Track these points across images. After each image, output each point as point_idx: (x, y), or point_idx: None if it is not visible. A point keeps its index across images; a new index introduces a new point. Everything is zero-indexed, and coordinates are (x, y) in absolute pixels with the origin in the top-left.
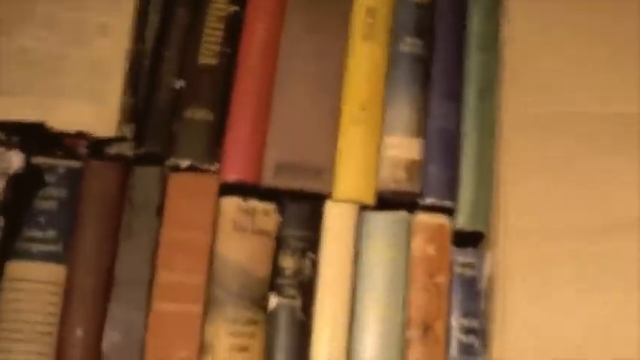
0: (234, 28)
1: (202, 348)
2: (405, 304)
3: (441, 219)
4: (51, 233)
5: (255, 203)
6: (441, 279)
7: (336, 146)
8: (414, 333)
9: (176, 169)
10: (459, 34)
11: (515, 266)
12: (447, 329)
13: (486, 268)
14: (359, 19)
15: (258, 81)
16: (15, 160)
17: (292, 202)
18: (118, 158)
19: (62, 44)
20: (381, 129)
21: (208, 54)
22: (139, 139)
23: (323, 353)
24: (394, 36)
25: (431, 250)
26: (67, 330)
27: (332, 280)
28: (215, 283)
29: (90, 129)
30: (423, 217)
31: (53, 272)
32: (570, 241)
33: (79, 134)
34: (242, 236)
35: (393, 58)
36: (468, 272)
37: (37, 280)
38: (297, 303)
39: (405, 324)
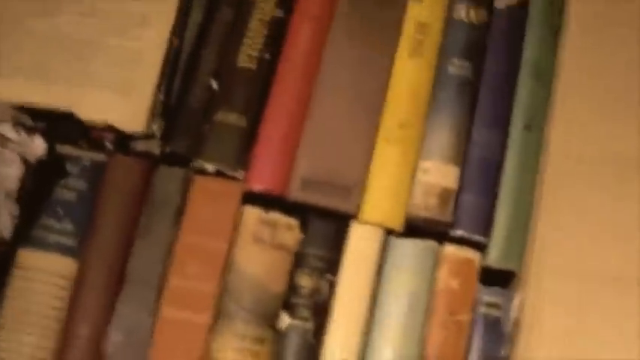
0: (277, 34)
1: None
2: (422, 339)
3: (469, 253)
4: (67, 225)
5: (277, 216)
6: (463, 317)
7: (369, 165)
8: None
9: (201, 172)
10: (511, 60)
11: (544, 310)
12: None
13: (514, 311)
14: (408, 34)
15: (296, 90)
16: (37, 146)
17: (316, 219)
18: (144, 155)
19: (101, 33)
20: (417, 152)
21: (248, 57)
22: (167, 137)
23: None
24: (442, 56)
25: (455, 284)
26: (72, 326)
27: (348, 305)
28: (227, 295)
29: (118, 122)
30: (450, 249)
31: (65, 265)
32: (605, 290)
33: (106, 127)
34: (261, 249)
35: (438, 79)
36: (493, 313)
37: (48, 272)
38: (309, 326)
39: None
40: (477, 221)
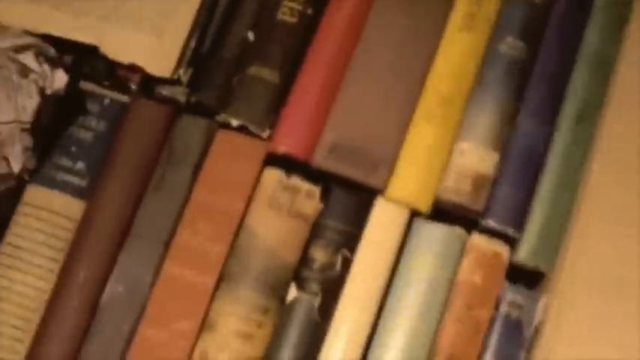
0: None
1: (204, 323)
2: (435, 330)
3: (498, 246)
4: (80, 165)
5: (298, 182)
6: (482, 313)
7: (402, 140)
8: None
9: (225, 126)
10: (569, 45)
11: (568, 318)
12: None
13: (538, 315)
14: (462, 6)
15: (335, 51)
16: (59, 80)
17: (339, 190)
18: (168, 101)
19: None
20: (455, 131)
21: (289, 11)
22: (194, 86)
23: None
24: (495, 33)
25: (478, 278)
26: (70, 270)
27: (361, 285)
28: (235, 258)
29: (145, 64)
30: (477, 240)
31: (72, 206)
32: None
33: (132, 67)
34: (277, 214)
35: (488, 57)
36: (515, 313)
37: (53, 211)
38: (317, 301)
39: (430, 352)
40: (510, 214)
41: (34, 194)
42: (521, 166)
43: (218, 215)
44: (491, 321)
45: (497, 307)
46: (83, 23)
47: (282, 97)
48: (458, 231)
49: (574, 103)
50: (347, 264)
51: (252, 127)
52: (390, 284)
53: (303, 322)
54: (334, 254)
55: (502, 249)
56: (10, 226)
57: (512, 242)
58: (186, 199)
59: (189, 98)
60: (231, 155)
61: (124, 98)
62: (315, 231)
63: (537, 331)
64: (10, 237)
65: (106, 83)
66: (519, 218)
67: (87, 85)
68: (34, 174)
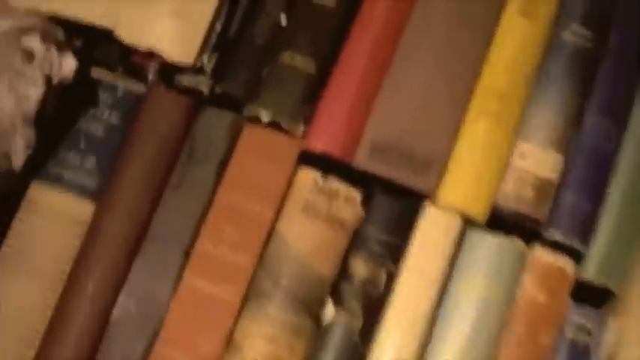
0: None
1: (229, 345)
2: (490, 356)
3: (563, 262)
4: (89, 162)
5: (337, 184)
6: (546, 338)
7: (454, 139)
8: None
9: (254, 120)
10: None
11: None
12: None
13: (608, 339)
14: None
15: (378, 38)
16: (66, 65)
17: (383, 194)
18: (190, 92)
19: None
20: (515, 130)
21: None
22: (219, 74)
23: None
24: (558, 19)
25: (542, 297)
26: (78, 281)
27: (407, 304)
28: (264, 270)
29: (165, 50)
30: (541, 254)
31: (80, 208)
32: None
33: (150, 53)
34: (312, 221)
35: (550, 46)
36: (583, 338)
37: (59, 213)
38: (357, 323)
39: None
40: (575, 224)
41: (38, 194)
42: (588, 171)
43: (245, 221)
44: (555, 347)
45: (561, 331)
46: (95, 3)
47: (319, 88)
48: (517, 243)
49: None
50: (391, 280)
51: (284, 123)
52: (439, 303)
53: (341, 346)
54: (377, 268)
55: (567, 264)
56: (11, 228)
57: (577, 257)
58: (209, 202)
59: (213, 88)
60: (261, 153)
61: (140, 88)
62: (355, 241)
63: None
64: (10, 240)
65: (120, 70)
66: (586, 229)
67: (98, 73)
68: (38, 171)
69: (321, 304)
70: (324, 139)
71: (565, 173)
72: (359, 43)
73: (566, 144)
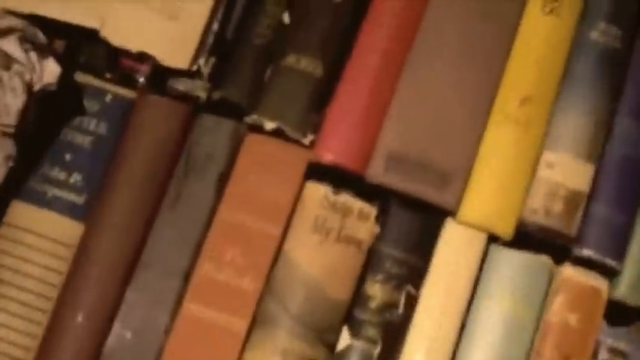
0: None
1: None
2: None
3: (596, 280)
4: (75, 177)
5: (350, 199)
6: None
7: (475, 148)
8: None
9: (257, 129)
10: None
11: None
12: None
13: None
14: None
15: (390, 37)
16: (48, 71)
17: (400, 210)
18: (185, 98)
19: None
20: (541, 138)
21: None
22: (217, 79)
23: None
24: (585, 18)
25: (574, 320)
26: (66, 311)
27: (429, 329)
28: (272, 295)
29: (157, 52)
30: (572, 273)
31: (66, 229)
32: None
33: (140, 55)
34: (323, 240)
35: (576, 47)
36: None
37: (44, 234)
38: (376, 350)
39: None
40: (608, 240)
41: (19, 214)
42: (620, 181)
43: (249, 241)
44: None
45: (595, 355)
46: (82, 2)
47: (327, 92)
48: (544, 260)
49: None
50: (411, 303)
51: (289, 131)
52: (463, 326)
53: None
54: (395, 291)
55: (601, 284)
56: None
57: (609, 274)
58: (209, 221)
59: (211, 94)
60: (265, 165)
61: (130, 94)
62: (371, 261)
63: None
64: None
65: (108, 76)
66: (619, 245)
67: (84, 78)
68: (19, 188)
69: (336, 332)
70: (334, 149)
71: (595, 184)
72: (370, 42)
73: (597, 152)
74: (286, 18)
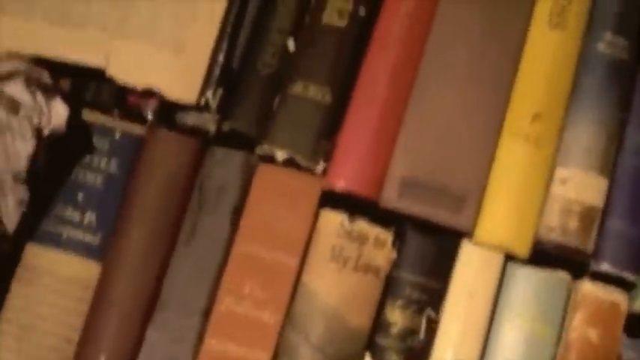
0: None
1: None
2: None
3: (616, 295)
4: (89, 217)
5: (365, 227)
6: None
7: (488, 168)
8: None
9: (268, 159)
10: None
11: None
12: None
13: None
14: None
15: (397, 60)
16: (57, 113)
17: (416, 234)
18: (195, 132)
19: None
20: (554, 155)
21: (337, 13)
22: (225, 111)
23: None
24: (590, 30)
25: (594, 335)
26: (86, 352)
27: (451, 350)
28: (292, 326)
29: (164, 87)
30: (591, 289)
31: (83, 270)
32: None
33: (147, 92)
34: (341, 269)
35: (584, 59)
36: None
37: (61, 277)
38: None
39: None
40: (624, 253)
41: (35, 256)
42: (633, 194)
43: (267, 273)
44: None
45: None
46: (84, 39)
47: (336, 120)
48: (562, 276)
49: None
50: (432, 327)
51: (301, 160)
52: (484, 346)
53: None
54: (416, 316)
55: (620, 298)
56: (7, 299)
57: (628, 288)
58: (226, 255)
59: (220, 126)
60: (278, 196)
61: (139, 130)
62: (390, 287)
63: None
64: (7, 312)
65: (116, 113)
66: (636, 258)
67: (92, 116)
68: (34, 232)
69: None
70: (346, 176)
71: (609, 197)
72: (377, 66)
73: (610, 165)
74: (291, 45)
